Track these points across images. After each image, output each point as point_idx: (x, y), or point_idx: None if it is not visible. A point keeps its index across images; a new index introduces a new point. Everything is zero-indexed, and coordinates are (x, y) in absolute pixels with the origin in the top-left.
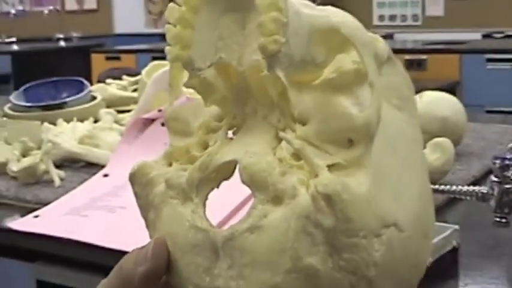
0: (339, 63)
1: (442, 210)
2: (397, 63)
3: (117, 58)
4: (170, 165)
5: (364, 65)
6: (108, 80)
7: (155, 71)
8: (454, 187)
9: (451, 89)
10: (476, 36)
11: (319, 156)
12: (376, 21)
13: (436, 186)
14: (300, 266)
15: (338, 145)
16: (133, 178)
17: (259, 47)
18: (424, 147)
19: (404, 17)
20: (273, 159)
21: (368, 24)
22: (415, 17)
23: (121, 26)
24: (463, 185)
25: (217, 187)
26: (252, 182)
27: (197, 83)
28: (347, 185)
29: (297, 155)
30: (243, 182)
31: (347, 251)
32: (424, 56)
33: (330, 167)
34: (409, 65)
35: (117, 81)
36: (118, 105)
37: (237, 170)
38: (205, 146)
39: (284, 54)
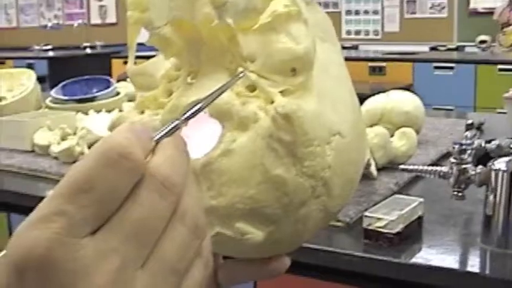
0: (273, 7)
1: (409, 186)
2: (316, 5)
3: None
4: (142, 113)
5: (297, 6)
6: (128, 79)
7: None
8: (420, 167)
9: (405, 91)
10: (425, 48)
11: (271, 85)
12: (344, 35)
13: (405, 166)
14: (269, 177)
15: (284, 75)
16: (113, 127)
17: (210, 0)
18: (392, 136)
19: (367, 32)
20: (232, 94)
21: (337, 37)
22: (375, 32)
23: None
24: (427, 165)
25: (186, 125)
26: (219, 114)
27: (157, 40)
28: (300, 104)
29: (250, 89)
30: (211, 115)
31: (307, 158)
32: (383, 64)
33: (281, 93)
34: (372, 71)
35: None
36: None
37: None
38: (169, 93)
39: (231, 4)
